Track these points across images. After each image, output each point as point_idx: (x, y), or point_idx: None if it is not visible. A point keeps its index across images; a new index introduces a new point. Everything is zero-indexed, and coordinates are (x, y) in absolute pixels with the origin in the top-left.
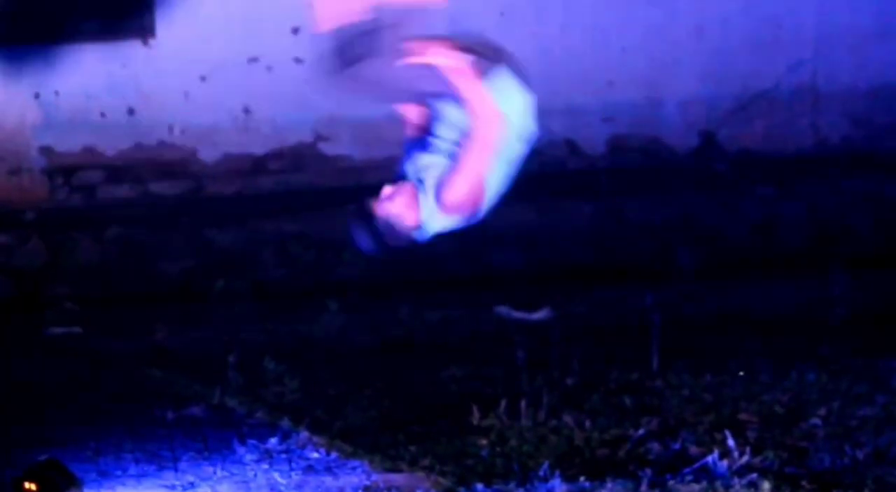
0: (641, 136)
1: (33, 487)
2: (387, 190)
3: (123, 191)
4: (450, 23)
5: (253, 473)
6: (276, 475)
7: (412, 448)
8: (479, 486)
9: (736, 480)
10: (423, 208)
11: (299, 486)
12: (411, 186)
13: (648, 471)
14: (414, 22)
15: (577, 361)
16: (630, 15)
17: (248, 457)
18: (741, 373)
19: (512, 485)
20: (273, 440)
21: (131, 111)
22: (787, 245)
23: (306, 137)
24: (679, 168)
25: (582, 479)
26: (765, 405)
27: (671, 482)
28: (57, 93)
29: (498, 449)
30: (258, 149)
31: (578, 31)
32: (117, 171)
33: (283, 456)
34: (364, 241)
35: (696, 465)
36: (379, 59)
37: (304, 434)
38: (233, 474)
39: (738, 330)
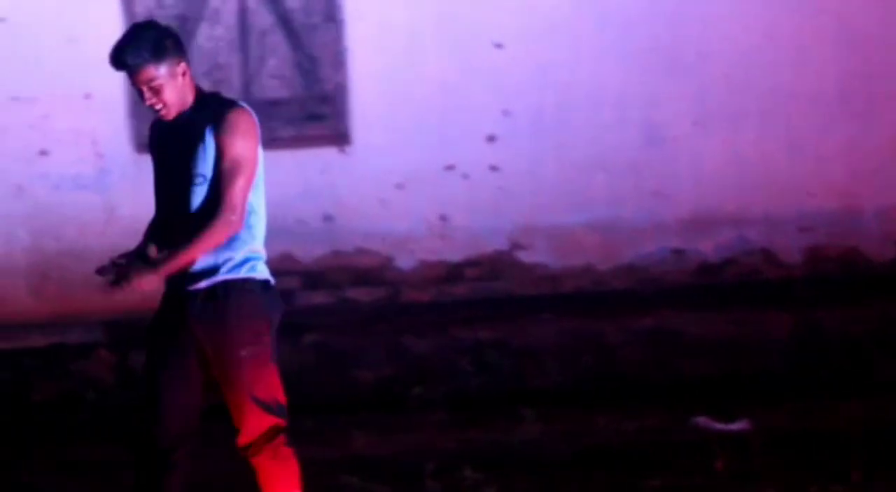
0: (839, 246)
1: None
2: None
3: (320, 297)
4: (648, 131)
5: None
6: None
7: None
8: None
9: None
10: None
11: None
12: None
13: None
14: None
15: (776, 473)
16: (827, 125)
17: None
18: None
19: None
20: None
21: (328, 218)
22: None
23: (502, 244)
24: (877, 279)
25: None
26: None
27: None
28: None
29: None
30: (454, 256)
31: (774, 141)
32: (314, 277)
33: None
34: None
35: None
36: None
37: None
38: None
39: None
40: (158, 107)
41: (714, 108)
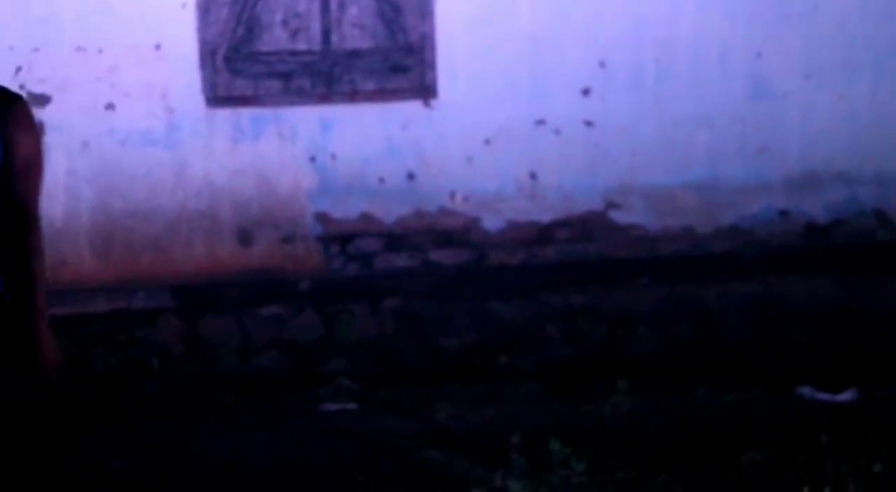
0: None
1: None
2: None
3: (402, 260)
4: (754, 85)
5: None
6: None
7: None
8: None
9: None
10: None
11: None
12: None
13: None
14: None
15: (885, 447)
16: None
17: None
18: None
19: None
20: None
21: (411, 176)
22: None
23: (596, 204)
24: None
25: None
26: None
27: None
28: (334, 156)
29: None
30: (544, 217)
31: (889, 95)
32: (396, 239)
33: None
34: None
35: None
36: None
37: None
38: None
39: None
40: None
41: (825, 61)
